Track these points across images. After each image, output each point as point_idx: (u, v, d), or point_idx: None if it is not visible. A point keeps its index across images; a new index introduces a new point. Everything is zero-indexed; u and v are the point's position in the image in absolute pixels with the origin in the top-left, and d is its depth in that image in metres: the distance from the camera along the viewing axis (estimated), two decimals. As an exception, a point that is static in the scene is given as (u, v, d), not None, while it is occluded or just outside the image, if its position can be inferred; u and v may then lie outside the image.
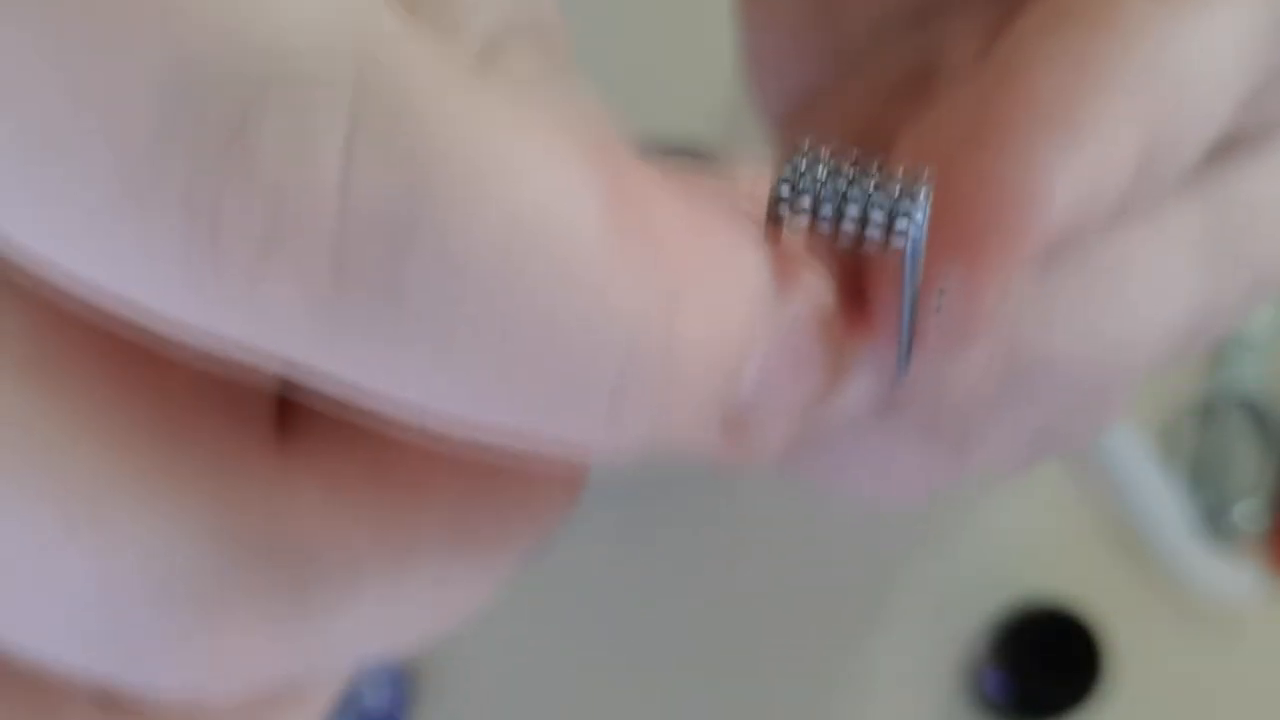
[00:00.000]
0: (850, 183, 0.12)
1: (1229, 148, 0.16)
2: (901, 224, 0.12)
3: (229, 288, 0.09)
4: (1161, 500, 0.39)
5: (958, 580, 0.39)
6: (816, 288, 0.13)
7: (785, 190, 0.12)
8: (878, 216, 0.12)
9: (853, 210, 0.12)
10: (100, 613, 0.11)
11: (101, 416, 0.11)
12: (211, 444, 0.11)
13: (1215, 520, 0.39)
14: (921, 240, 0.12)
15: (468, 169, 0.10)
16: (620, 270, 0.10)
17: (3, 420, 0.10)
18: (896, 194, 0.12)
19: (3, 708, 0.12)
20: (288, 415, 0.12)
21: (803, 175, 0.12)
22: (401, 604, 0.12)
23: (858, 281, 0.14)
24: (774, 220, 0.12)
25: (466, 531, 0.12)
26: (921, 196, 0.12)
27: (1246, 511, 0.39)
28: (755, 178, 0.13)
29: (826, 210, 0.12)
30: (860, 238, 0.12)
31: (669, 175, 0.11)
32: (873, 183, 0.12)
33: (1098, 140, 0.14)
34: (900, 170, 0.12)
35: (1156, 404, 0.40)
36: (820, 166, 0.12)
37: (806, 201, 0.12)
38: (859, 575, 0.39)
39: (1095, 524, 0.40)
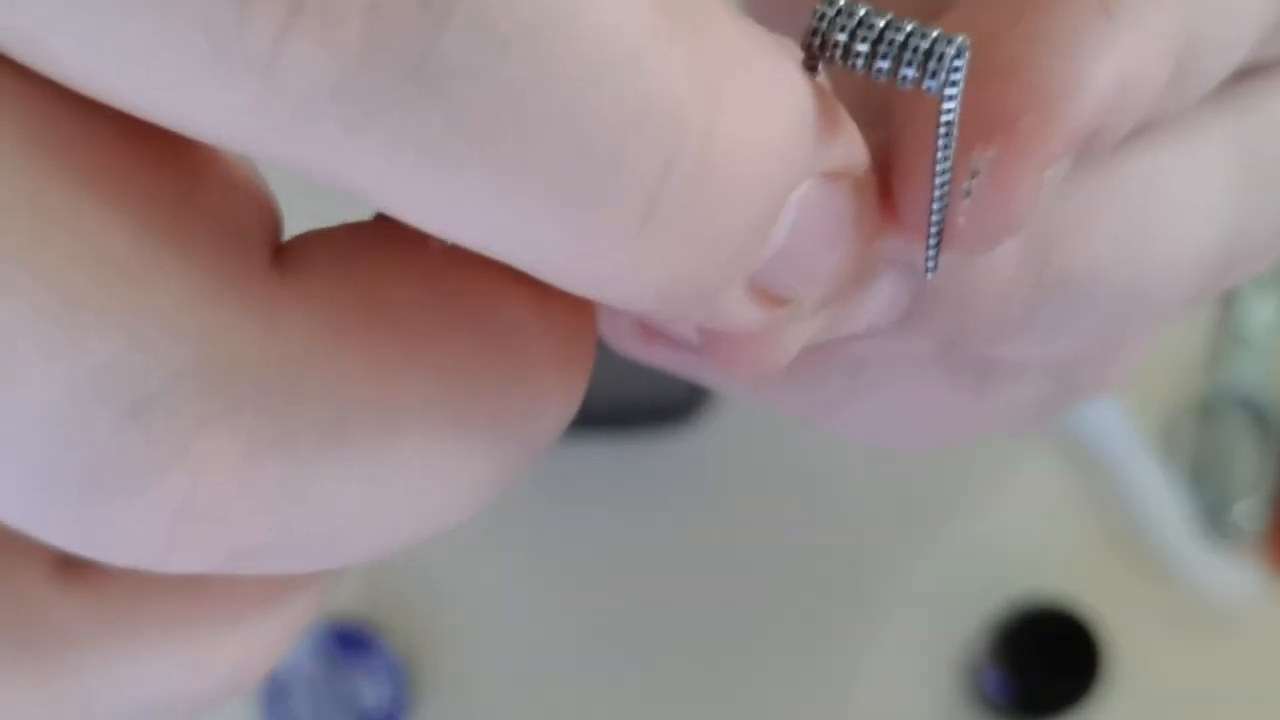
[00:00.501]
0: (888, 24, 0.12)
1: (1259, 72, 0.16)
2: (936, 63, 0.11)
3: (251, 56, 0.09)
4: (1161, 500, 0.39)
5: (958, 580, 0.39)
6: (857, 141, 0.12)
7: (821, 22, 0.12)
8: (913, 54, 0.11)
9: (889, 47, 0.12)
10: (61, 436, 0.10)
11: (90, 205, 0.10)
12: (206, 255, 0.10)
13: (1215, 519, 0.39)
14: (958, 96, 0.12)
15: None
16: (665, 54, 0.10)
17: None
18: (934, 35, 0.12)
19: None
20: (288, 249, 0.11)
21: (840, 12, 0.12)
22: (388, 479, 0.11)
23: (882, 175, 0.14)
24: (810, 58, 0.12)
25: (462, 397, 0.11)
26: (960, 40, 0.11)
27: (1246, 511, 0.39)
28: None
29: (861, 46, 0.12)
30: (895, 75, 0.12)
31: None
32: (910, 25, 0.12)
33: (1138, 29, 0.13)
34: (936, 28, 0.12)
35: (1155, 404, 0.40)
36: (857, 6, 0.12)
37: (841, 35, 0.12)
38: (859, 574, 0.39)
39: (1095, 524, 0.40)
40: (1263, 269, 0.18)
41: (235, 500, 0.10)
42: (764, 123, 0.10)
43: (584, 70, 0.09)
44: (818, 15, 0.12)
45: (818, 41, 0.12)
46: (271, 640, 0.13)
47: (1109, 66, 0.13)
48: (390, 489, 0.11)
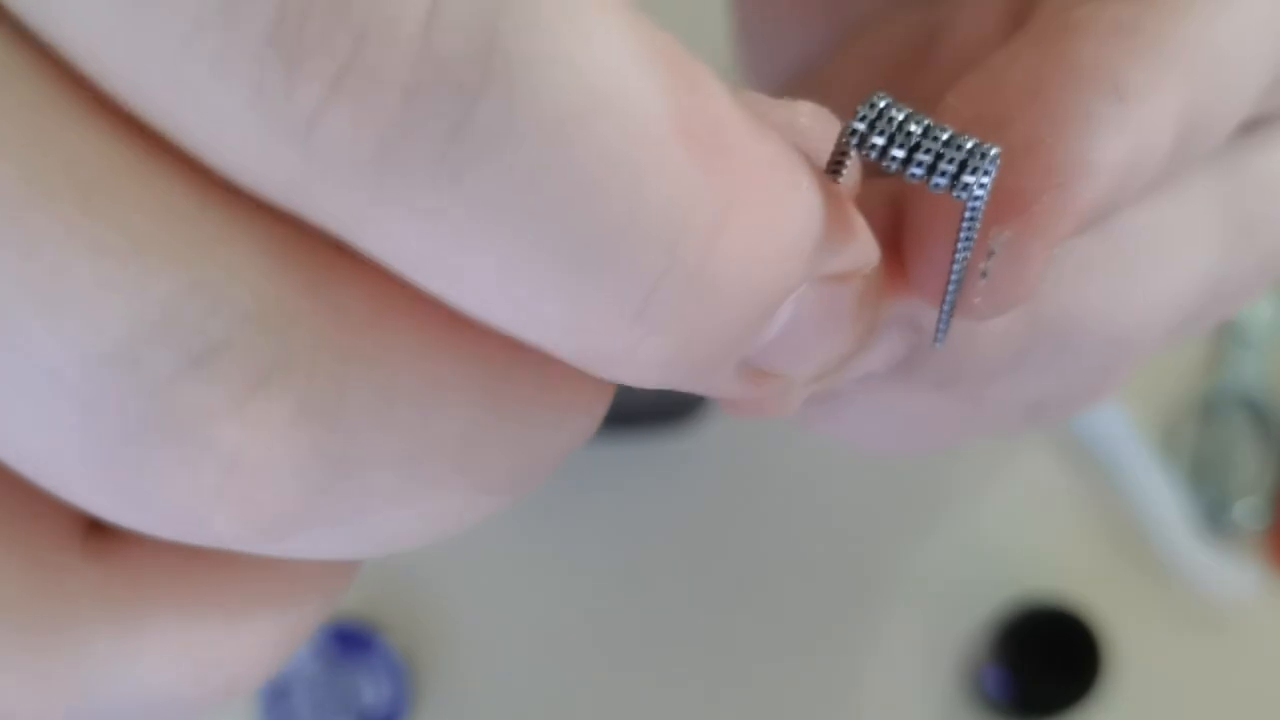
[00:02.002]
0: (924, 132, 0.12)
1: (1247, 129, 0.16)
2: (970, 176, 0.12)
3: (295, 116, 0.09)
4: (1162, 499, 0.39)
5: (958, 580, 0.39)
6: (868, 246, 0.12)
7: (861, 125, 0.12)
8: (947, 165, 0.12)
9: (923, 155, 0.12)
10: (116, 377, 0.09)
11: (155, 161, 0.10)
12: (269, 214, 0.10)
13: (1216, 519, 0.39)
14: (984, 201, 0.12)
15: (548, 29, 0.09)
16: (680, 162, 0.10)
17: None
18: (969, 147, 0.12)
19: None
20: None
21: (880, 115, 0.12)
22: (423, 459, 0.11)
23: (895, 239, 0.14)
24: (838, 159, 0.12)
25: (499, 384, 0.11)
26: (993, 154, 0.12)
27: (1247, 510, 0.39)
28: (814, 116, 0.13)
29: (898, 151, 0.12)
30: (927, 180, 0.12)
31: (738, 94, 0.11)
32: (946, 134, 0.12)
33: (1145, 107, 0.14)
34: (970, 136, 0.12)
35: (1156, 404, 0.40)
36: (896, 110, 0.12)
37: (880, 139, 0.12)
38: (859, 574, 0.39)
39: (1095, 523, 0.40)
40: (1235, 314, 0.18)
41: (280, 463, 0.10)
42: (768, 237, 0.11)
43: (601, 169, 0.10)
44: (859, 117, 0.12)
45: (855, 141, 0.12)
46: (279, 640, 0.13)
47: (1120, 146, 0.14)
48: (423, 473, 0.11)
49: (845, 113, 0.14)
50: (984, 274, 0.14)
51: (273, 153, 0.09)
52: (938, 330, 0.14)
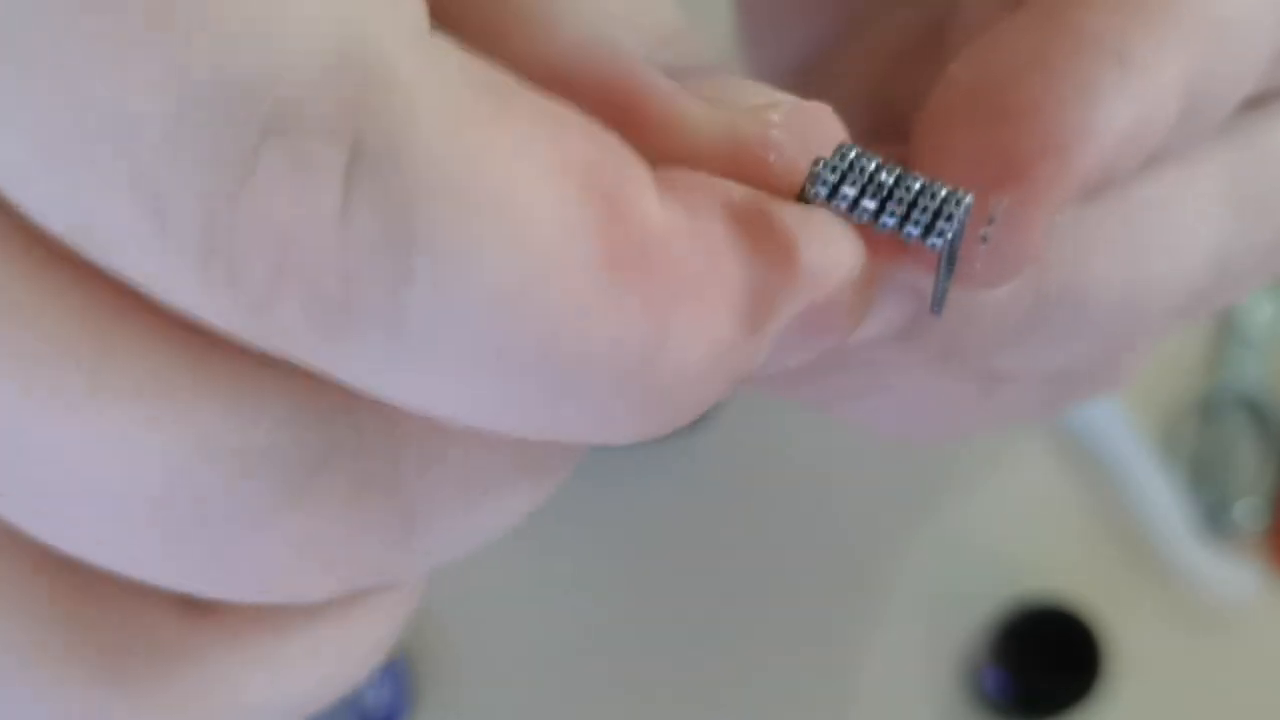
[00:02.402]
0: (896, 181, 0.12)
1: (1257, 104, 0.16)
2: (945, 223, 0.12)
3: (244, 302, 0.10)
4: (1161, 500, 0.39)
5: (957, 580, 0.39)
6: (836, 265, 0.12)
7: (831, 175, 0.12)
8: (920, 215, 0.12)
9: (895, 205, 0.12)
10: (178, 494, 0.11)
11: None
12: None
13: (1215, 519, 0.39)
14: (959, 239, 0.12)
15: (459, 215, 0.10)
16: (611, 295, 0.10)
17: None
18: (942, 196, 0.12)
19: (84, 618, 0.12)
20: None
21: (851, 166, 0.12)
22: (479, 497, 0.12)
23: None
24: (803, 198, 0.12)
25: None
26: (966, 202, 0.12)
27: (1247, 510, 0.39)
28: (787, 127, 0.13)
29: (869, 202, 0.12)
30: (900, 230, 0.12)
31: (666, 172, 0.11)
32: (918, 183, 0.12)
33: (1148, 75, 0.14)
34: (942, 183, 0.12)
35: (1156, 404, 0.40)
36: (866, 159, 0.12)
37: (851, 190, 0.12)
38: (859, 574, 0.39)
39: (1095, 523, 0.40)
40: (1249, 293, 0.18)
41: (353, 535, 0.11)
42: (711, 333, 0.11)
43: (536, 323, 0.10)
44: (827, 167, 0.12)
45: (825, 192, 0.12)
46: (364, 650, 0.15)
47: (1122, 113, 0.14)
48: (480, 509, 0.13)
49: (847, 105, 0.14)
50: (984, 239, 0.14)
51: (236, 324, 0.10)
52: (934, 297, 0.14)
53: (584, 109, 0.11)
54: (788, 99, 0.13)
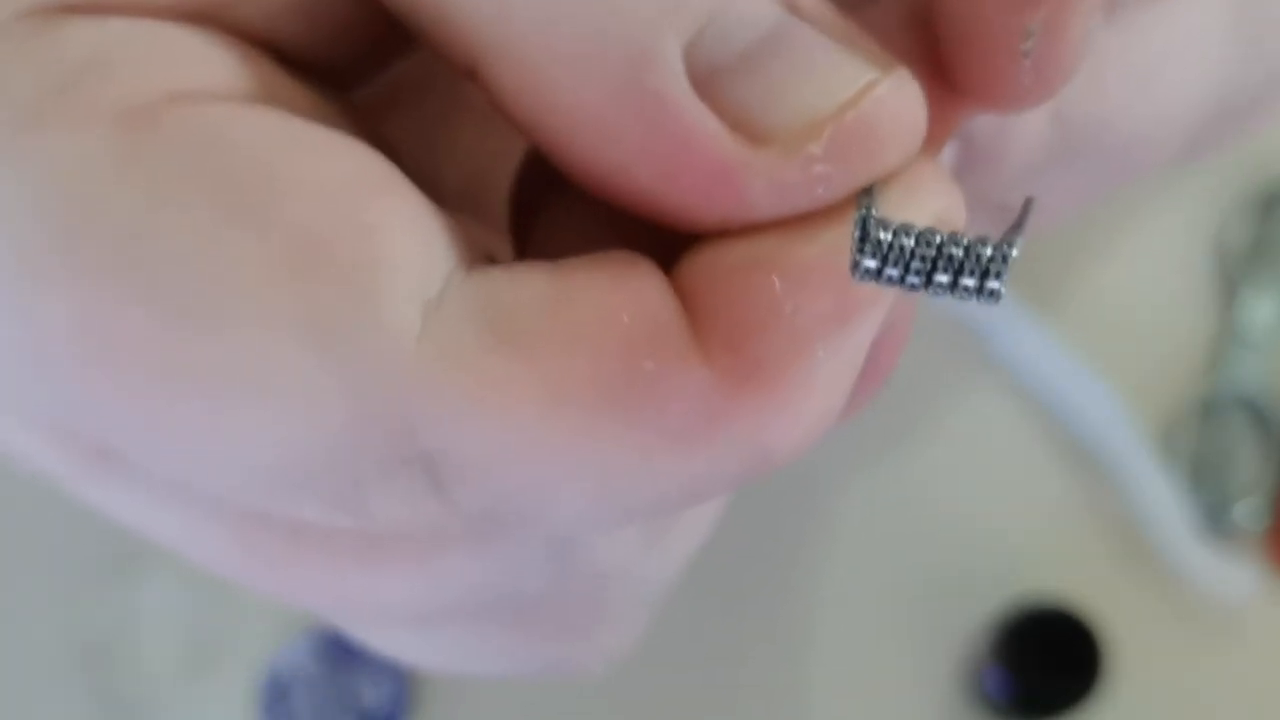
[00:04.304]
0: (917, 242, 0.12)
1: None
2: (969, 279, 0.12)
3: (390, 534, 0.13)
4: (1161, 500, 0.39)
5: (957, 580, 0.39)
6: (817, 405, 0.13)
7: (870, 263, 0.12)
8: (942, 275, 0.12)
9: (919, 264, 0.12)
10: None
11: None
12: None
13: (1216, 519, 0.39)
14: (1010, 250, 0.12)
15: (514, 450, 0.11)
16: (699, 471, 0.12)
17: None
18: (964, 249, 0.12)
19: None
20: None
21: (890, 249, 0.12)
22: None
23: (934, 56, 0.14)
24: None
25: None
26: (988, 254, 0.12)
27: (1247, 511, 0.39)
28: None
29: (893, 270, 0.12)
30: (925, 291, 0.12)
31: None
32: (939, 238, 0.12)
33: None
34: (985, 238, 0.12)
35: (1156, 404, 0.40)
36: (883, 230, 0.12)
37: (872, 262, 0.12)
38: (858, 573, 0.39)
39: (1095, 524, 0.40)
40: (1252, 125, 0.19)
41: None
42: (801, 438, 0.13)
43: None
44: (866, 254, 0.12)
45: (870, 278, 0.12)
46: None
47: None
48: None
49: None
50: (1026, 55, 0.13)
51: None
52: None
53: (630, 159, 0.12)
54: (841, 95, 0.12)
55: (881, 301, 0.12)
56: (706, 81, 0.12)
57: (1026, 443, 0.40)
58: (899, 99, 0.13)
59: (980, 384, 0.40)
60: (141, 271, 0.10)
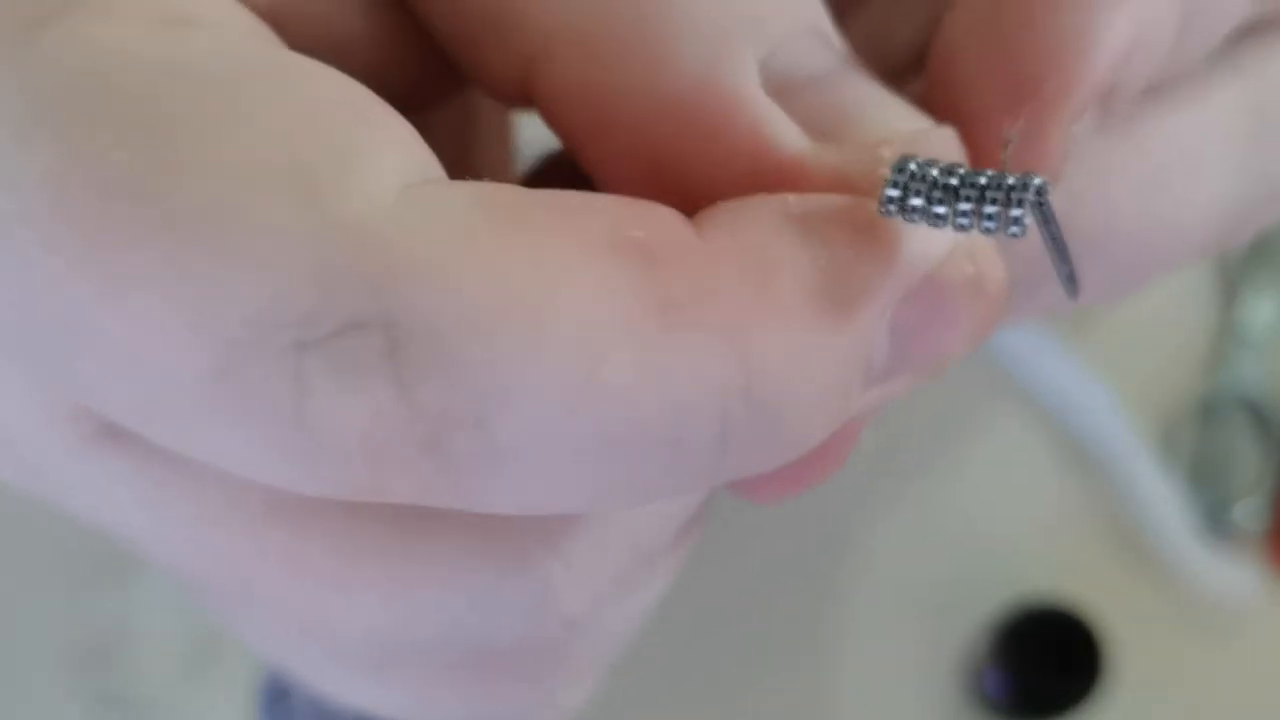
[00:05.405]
0: (962, 182, 0.12)
1: (1251, 31, 0.17)
2: (1018, 211, 0.12)
3: (356, 488, 0.11)
4: (1161, 500, 0.39)
5: (957, 580, 0.39)
6: (937, 245, 0.12)
7: (895, 191, 0.12)
8: (991, 208, 0.12)
9: (966, 205, 0.12)
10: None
11: None
12: None
13: (1215, 519, 0.39)
14: (1051, 208, 0.12)
15: (509, 342, 0.10)
16: (682, 349, 0.11)
17: None
18: (1009, 185, 0.12)
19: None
20: None
21: (913, 177, 0.12)
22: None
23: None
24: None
25: None
26: (1036, 184, 0.12)
27: (1247, 511, 0.39)
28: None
29: (940, 209, 0.12)
30: (976, 228, 0.12)
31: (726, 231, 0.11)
32: (984, 178, 0.12)
33: None
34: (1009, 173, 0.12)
35: (1156, 404, 0.40)
36: (928, 167, 0.12)
37: (918, 200, 0.12)
38: (858, 573, 0.39)
39: (1095, 524, 0.40)
40: (1269, 224, 0.18)
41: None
42: (797, 329, 0.11)
43: (616, 411, 0.10)
44: (891, 183, 0.12)
45: (893, 208, 0.12)
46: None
47: (1122, 20, 0.14)
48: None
49: (849, 44, 0.14)
50: (1004, 162, 0.13)
51: (367, 499, 0.11)
52: (1064, 279, 0.14)
53: (692, 148, 0.11)
54: (905, 126, 0.13)
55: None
56: (777, 92, 0.12)
57: (1027, 443, 0.40)
58: (951, 148, 0.13)
59: (980, 385, 0.40)
60: (142, 124, 0.10)
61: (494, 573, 0.13)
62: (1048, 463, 0.40)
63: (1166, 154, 0.16)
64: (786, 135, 0.12)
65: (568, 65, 0.12)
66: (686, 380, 0.11)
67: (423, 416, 0.10)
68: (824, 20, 0.13)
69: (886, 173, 0.12)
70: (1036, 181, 0.12)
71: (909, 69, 0.17)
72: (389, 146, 0.11)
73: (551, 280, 0.10)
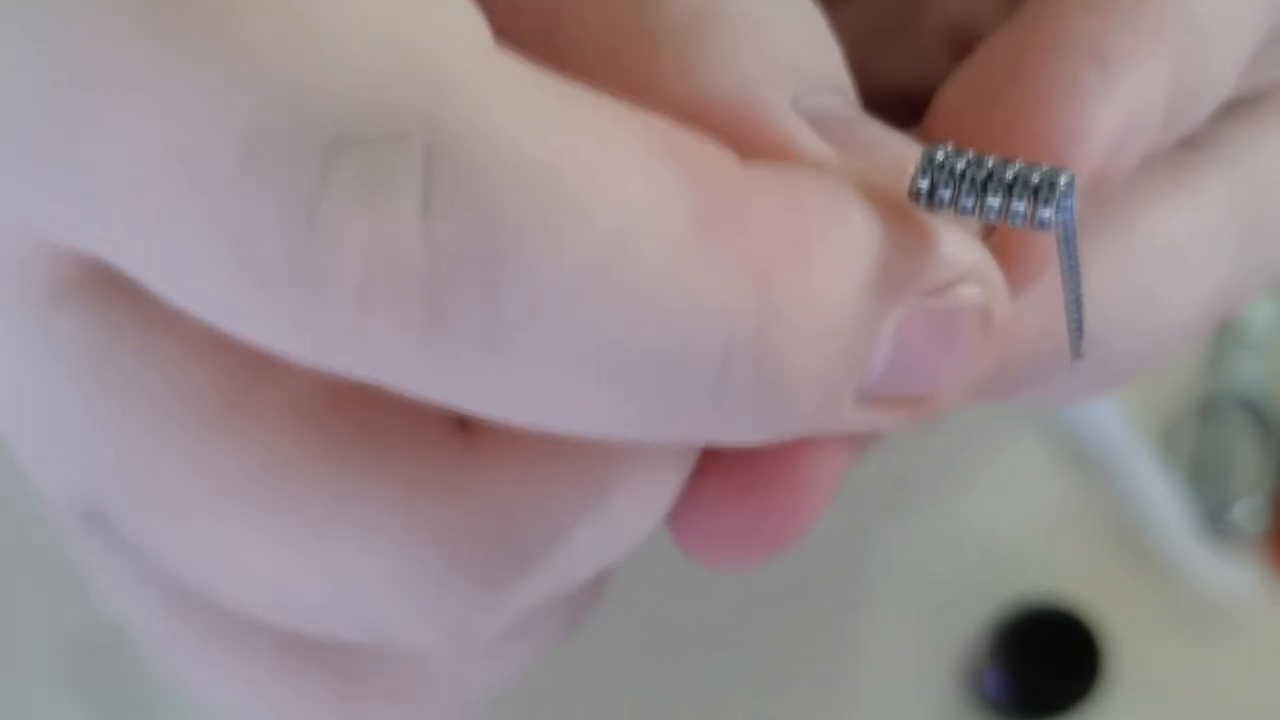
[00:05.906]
0: (990, 174, 0.12)
1: (1238, 107, 0.17)
2: (1046, 209, 0.12)
3: (337, 331, 0.10)
4: (1161, 500, 0.39)
5: (957, 580, 0.39)
6: (961, 252, 0.12)
7: (924, 181, 0.12)
8: (1019, 203, 0.12)
9: (994, 199, 0.12)
10: (352, 599, 0.12)
11: (331, 452, 0.12)
12: (404, 449, 0.12)
13: (1215, 520, 0.39)
14: (1074, 220, 0.12)
15: (547, 200, 0.10)
16: (711, 261, 0.10)
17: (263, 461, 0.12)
18: (1037, 180, 0.12)
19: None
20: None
21: (941, 168, 0.12)
22: (612, 521, 0.14)
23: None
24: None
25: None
26: (1063, 180, 0.12)
27: (1247, 511, 0.39)
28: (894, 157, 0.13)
29: (967, 200, 0.12)
30: (1003, 221, 0.12)
31: (768, 165, 0.11)
32: (1012, 171, 0.12)
33: (1132, 76, 0.14)
34: (1042, 164, 0.12)
35: (1156, 404, 0.40)
36: (957, 158, 0.12)
37: (946, 191, 0.12)
38: (858, 574, 0.39)
39: (1095, 524, 0.40)
40: (1233, 316, 0.19)
41: (500, 612, 0.14)
42: (822, 286, 0.11)
43: (634, 302, 0.10)
44: (921, 173, 0.12)
45: (923, 200, 0.12)
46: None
47: (1110, 114, 0.14)
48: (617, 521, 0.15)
49: None
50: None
51: (331, 354, 0.10)
52: (1072, 345, 0.14)
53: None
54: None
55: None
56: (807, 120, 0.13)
57: (1026, 443, 0.40)
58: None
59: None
60: None
61: (430, 569, 0.13)
62: (1048, 462, 0.40)
63: (1157, 259, 0.16)
64: (815, 145, 0.12)
65: (592, 68, 0.12)
66: (704, 296, 0.10)
67: (436, 252, 0.10)
68: (847, 82, 0.14)
69: (914, 164, 0.12)
70: (1064, 176, 0.12)
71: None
72: (473, 14, 0.11)
73: (604, 159, 0.10)
